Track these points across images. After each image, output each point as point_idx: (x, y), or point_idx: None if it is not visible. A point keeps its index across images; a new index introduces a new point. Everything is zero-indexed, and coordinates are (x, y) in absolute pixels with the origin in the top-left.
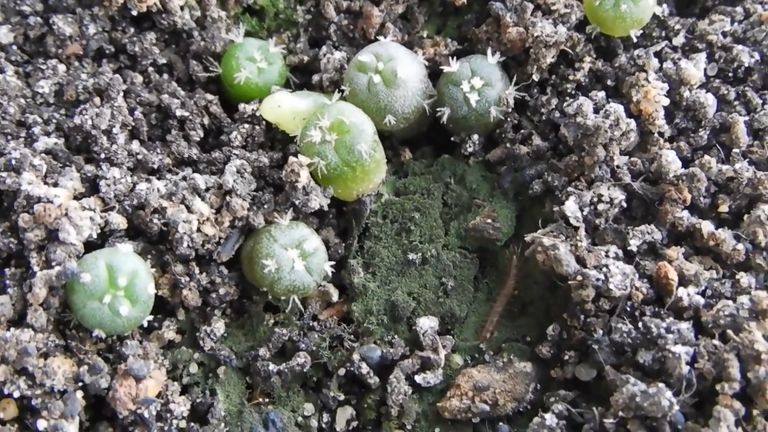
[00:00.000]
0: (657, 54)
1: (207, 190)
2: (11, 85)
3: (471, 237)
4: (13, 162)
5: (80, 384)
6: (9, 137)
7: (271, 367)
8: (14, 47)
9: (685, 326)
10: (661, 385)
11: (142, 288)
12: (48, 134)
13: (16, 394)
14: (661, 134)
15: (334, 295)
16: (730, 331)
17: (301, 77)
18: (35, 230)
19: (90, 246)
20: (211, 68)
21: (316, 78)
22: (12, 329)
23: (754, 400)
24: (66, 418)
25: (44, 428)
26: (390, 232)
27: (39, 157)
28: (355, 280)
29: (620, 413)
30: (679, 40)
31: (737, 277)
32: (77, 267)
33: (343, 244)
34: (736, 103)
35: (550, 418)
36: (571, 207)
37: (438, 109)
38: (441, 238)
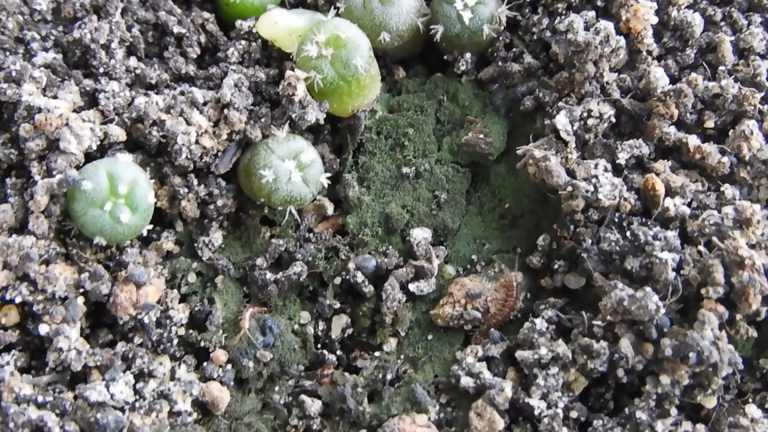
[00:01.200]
0: None
1: (205, 103)
2: (9, 0)
3: (463, 152)
4: (13, 74)
5: (81, 290)
6: (8, 52)
7: (269, 276)
8: None
9: (671, 234)
10: (648, 289)
11: (142, 196)
12: (46, 50)
13: (18, 300)
14: (649, 52)
15: (329, 209)
16: (715, 239)
17: None
18: (36, 140)
19: (89, 158)
20: None
21: None
22: (14, 236)
23: (737, 305)
24: (67, 322)
25: (46, 333)
26: (384, 147)
27: (38, 70)
28: (349, 193)
29: (608, 317)
30: None
31: (722, 189)
32: (78, 175)
33: (338, 160)
34: (722, 23)
35: (540, 323)
36: (561, 120)
37: (432, 27)
38: (434, 153)
